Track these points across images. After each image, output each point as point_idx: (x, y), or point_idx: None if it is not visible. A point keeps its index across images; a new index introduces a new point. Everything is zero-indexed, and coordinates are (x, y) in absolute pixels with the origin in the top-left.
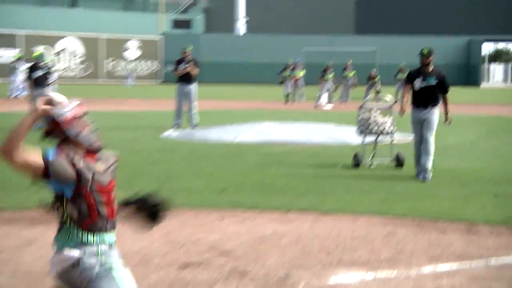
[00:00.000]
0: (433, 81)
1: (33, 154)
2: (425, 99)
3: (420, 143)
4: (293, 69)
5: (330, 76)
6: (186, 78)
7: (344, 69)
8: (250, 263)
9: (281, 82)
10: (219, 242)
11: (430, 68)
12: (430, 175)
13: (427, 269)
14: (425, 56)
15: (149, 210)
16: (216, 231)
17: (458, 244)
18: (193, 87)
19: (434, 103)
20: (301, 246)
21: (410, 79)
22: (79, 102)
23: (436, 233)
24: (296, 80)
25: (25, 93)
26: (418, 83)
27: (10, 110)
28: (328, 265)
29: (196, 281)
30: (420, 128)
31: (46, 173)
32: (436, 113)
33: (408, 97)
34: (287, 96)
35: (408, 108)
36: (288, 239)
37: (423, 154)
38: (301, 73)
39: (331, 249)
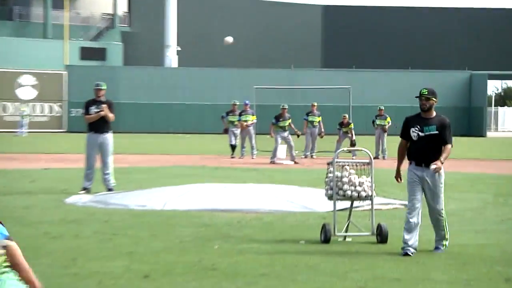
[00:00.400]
0: (434, 130)
1: None
2: (426, 153)
3: (417, 209)
4: (241, 113)
5: (286, 123)
6: (99, 126)
7: (308, 113)
8: None
9: (225, 131)
10: None
11: (432, 114)
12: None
13: None
14: (424, 99)
15: None
16: None
17: None
18: (108, 137)
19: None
20: None
21: (406, 129)
22: None
23: None
24: (245, 127)
25: None
26: (415, 133)
27: None
28: None
29: None
30: (419, 190)
31: None
32: (441, 172)
33: (404, 157)
34: (233, 148)
35: (405, 165)
36: None
37: (435, 228)
38: (251, 119)
39: None
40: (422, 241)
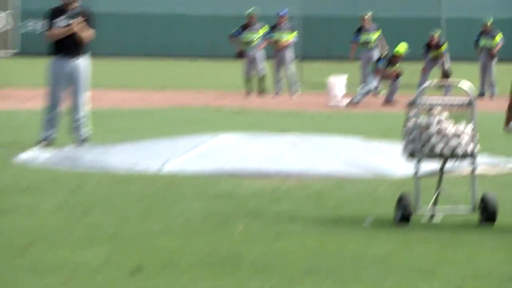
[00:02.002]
0: None
1: None
2: None
3: None
4: (273, 29)
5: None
6: (69, 47)
7: (360, 30)
8: None
9: (240, 54)
10: None
11: None
12: None
13: None
14: None
15: None
16: None
17: None
18: (82, 65)
19: None
20: None
21: None
22: None
23: None
24: (281, 48)
25: None
26: None
27: None
28: None
29: None
30: None
31: None
32: None
33: None
34: (247, 81)
35: None
36: None
37: None
38: (289, 37)
39: None
40: None
